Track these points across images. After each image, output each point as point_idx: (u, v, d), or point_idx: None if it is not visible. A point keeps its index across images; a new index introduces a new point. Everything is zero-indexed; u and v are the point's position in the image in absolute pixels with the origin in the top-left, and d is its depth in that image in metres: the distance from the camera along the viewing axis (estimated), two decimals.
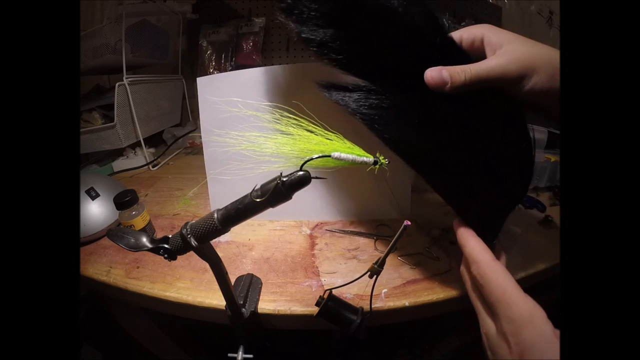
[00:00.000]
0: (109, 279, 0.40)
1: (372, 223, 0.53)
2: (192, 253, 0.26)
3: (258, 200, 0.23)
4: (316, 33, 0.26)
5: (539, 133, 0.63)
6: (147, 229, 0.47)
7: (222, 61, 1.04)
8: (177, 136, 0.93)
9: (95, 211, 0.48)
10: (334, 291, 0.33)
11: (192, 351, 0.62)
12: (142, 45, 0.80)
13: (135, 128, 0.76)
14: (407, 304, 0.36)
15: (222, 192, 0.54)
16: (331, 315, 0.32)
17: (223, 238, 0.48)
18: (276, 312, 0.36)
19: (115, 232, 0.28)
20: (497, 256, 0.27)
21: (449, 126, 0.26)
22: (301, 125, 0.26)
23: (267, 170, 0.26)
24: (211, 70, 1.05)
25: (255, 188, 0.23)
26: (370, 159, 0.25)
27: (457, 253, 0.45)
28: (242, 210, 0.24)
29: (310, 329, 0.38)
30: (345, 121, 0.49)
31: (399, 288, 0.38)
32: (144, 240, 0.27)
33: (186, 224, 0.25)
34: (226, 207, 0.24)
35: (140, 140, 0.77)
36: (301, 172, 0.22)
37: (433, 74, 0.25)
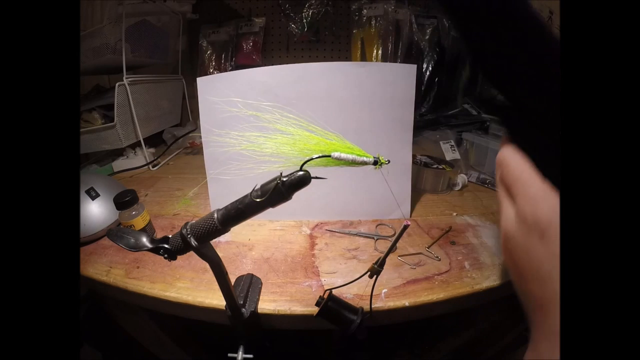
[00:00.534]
0: (109, 279, 0.40)
1: (372, 223, 0.53)
2: (192, 253, 0.26)
3: (258, 200, 0.23)
4: None
5: None
6: (147, 229, 0.47)
7: (222, 61, 1.05)
8: (177, 136, 0.93)
9: (95, 211, 0.48)
10: (334, 291, 0.33)
11: (192, 351, 0.62)
12: (142, 45, 0.80)
13: (135, 128, 0.76)
14: (407, 304, 0.36)
15: (222, 192, 0.54)
16: (331, 315, 0.32)
17: (223, 238, 0.48)
18: (276, 312, 0.36)
19: (115, 232, 0.28)
20: None
21: None
22: (301, 125, 0.26)
23: (267, 170, 0.26)
24: (211, 70, 1.05)
25: (255, 188, 0.23)
26: (370, 159, 0.25)
27: (457, 253, 0.45)
28: (242, 210, 0.24)
29: (310, 329, 0.38)
30: (345, 121, 0.50)
31: (399, 288, 0.38)
32: (144, 240, 0.27)
33: (186, 224, 0.25)
34: (226, 207, 0.24)
35: (140, 140, 0.77)
36: (301, 172, 0.22)
37: None
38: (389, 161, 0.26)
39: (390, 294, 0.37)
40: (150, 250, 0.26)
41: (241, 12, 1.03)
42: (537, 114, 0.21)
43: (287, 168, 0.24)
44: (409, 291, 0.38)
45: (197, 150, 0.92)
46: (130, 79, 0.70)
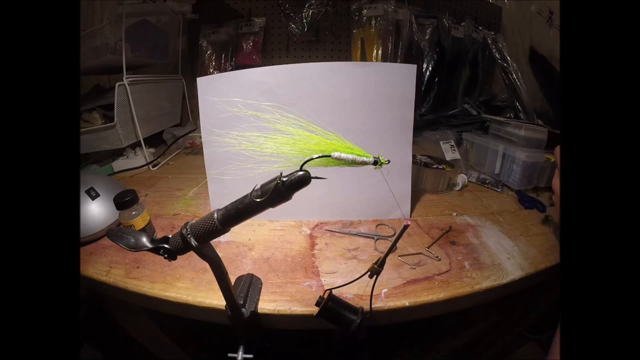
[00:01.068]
0: (109, 279, 0.40)
1: (372, 223, 0.53)
2: (192, 253, 0.26)
3: (258, 200, 0.23)
4: None
5: (539, 133, 0.63)
6: (147, 229, 0.47)
7: (222, 61, 1.05)
8: (177, 136, 0.93)
9: (95, 211, 0.48)
10: (334, 291, 0.33)
11: (192, 351, 0.62)
12: (142, 45, 0.80)
13: (135, 128, 0.76)
14: (407, 304, 0.36)
15: (222, 192, 0.54)
16: (331, 315, 0.32)
17: (223, 238, 0.48)
18: (276, 312, 0.36)
19: (115, 232, 0.28)
20: None
21: None
22: (301, 125, 0.26)
23: (267, 170, 0.26)
24: (211, 70, 1.05)
25: (255, 188, 0.23)
26: (370, 159, 0.25)
27: (457, 253, 0.45)
28: (242, 210, 0.24)
29: (310, 329, 0.38)
30: (345, 121, 0.50)
31: (399, 288, 0.38)
32: (144, 240, 0.27)
33: (186, 224, 0.25)
34: (226, 207, 0.24)
35: (140, 140, 0.77)
36: (301, 172, 0.22)
37: None
38: (389, 161, 0.26)
39: (390, 294, 0.37)
40: (150, 250, 0.26)
41: (241, 12, 1.03)
42: None
43: (287, 168, 0.24)
44: (409, 291, 0.38)
45: (197, 150, 0.92)
46: (130, 79, 0.70)
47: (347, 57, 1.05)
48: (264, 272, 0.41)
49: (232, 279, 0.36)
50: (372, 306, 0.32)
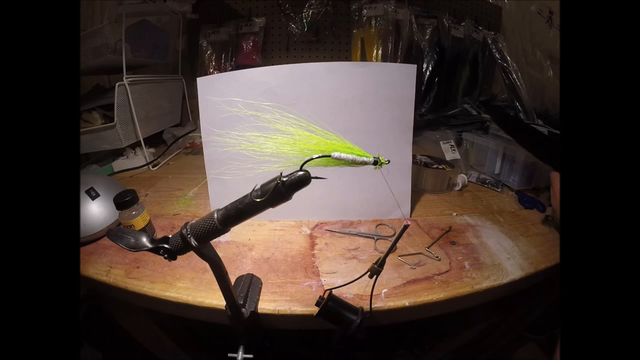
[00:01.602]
0: (109, 279, 0.40)
1: (372, 223, 0.53)
2: (192, 253, 0.26)
3: (258, 200, 0.23)
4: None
5: None
6: (147, 229, 0.47)
7: (222, 61, 1.05)
8: (177, 136, 0.93)
9: (95, 211, 0.48)
10: (334, 291, 0.33)
11: (192, 351, 0.62)
12: (142, 45, 0.80)
13: (135, 128, 0.76)
14: (407, 304, 0.36)
15: (222, 192, 0.54)
16: (331, 315, 0.32)
17: (223, 238, 0.48)
18: (276, 312, 0.36)
19: (115, 232, 0.28)
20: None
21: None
22: (301, 125, 0.26)
23: (267, 170, 0.26)
24: (211, 70, 1.05)
25: (255, 188, 0.23)
26: (370, 159, 0.25)
27: (457, 253, 0.45)
28: (242, 210, 0.24)
29: (310, 329, 0.38)
30: (346, 121, 0.50)
31: (399, 288, 0.38)
32: (144, 240, 0.27)
33: (186, 224, 0.25)
34: (226, 207, 0.24)
35: (140, 140, 0.77)
36: (301, 172, 0.22)
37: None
38: (389, 161, 0.26)
39: (390, 294, 0.37)
40: (150, 250, 0.26)
41: (241, 12, 1.03)
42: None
43: (287, 168, 0.24)
44: (409, 291, 0.38)
45: (197, 150, 0.92)
46: (130, 79, 0.70)
47: (347, 57, 1.05)
48: (264, 272, 0.41)
49: (232, 279, 0.36)
50: (372, 306, 0.32)
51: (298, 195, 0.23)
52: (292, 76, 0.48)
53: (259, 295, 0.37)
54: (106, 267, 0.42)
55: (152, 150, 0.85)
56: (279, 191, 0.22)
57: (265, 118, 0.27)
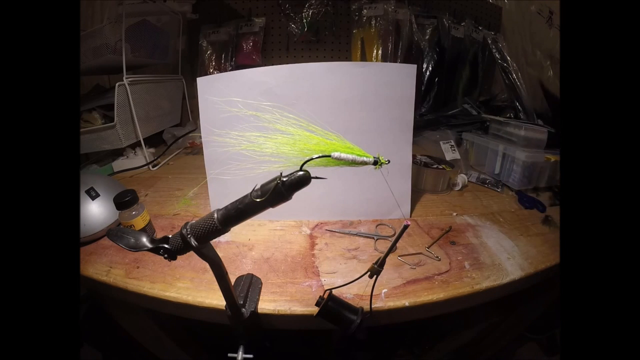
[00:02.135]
0: (109, 279, 0.40)
1: (372, 223, 0.53)
2: (192, 253, 0.26)
3: (258, 200, 0.23)
4: None
5: (539, 133, 0.63)
6: (147, 229, 0.47)
7: (222, 61, 1.05)
8: (177, 136, 0.93)
9: (95, 211, 0.48)
10: (334, 291, 0.33)
11: (192, 351, 0.62)
12: (142, 45, 0.80)
13: (135, 128, 0.76)
14: (407, 304, 0.36)
15: (222, 192, 0.54)
16: (331, 315, 0.32)
17: (223, 238, 0.48)
18: (276, 312, 0.36)
19: (115, 232, 0.28)
20: None
21: None
22: (301, 125, 0.26)
23: (267, 170, 0.26)
24: (211, 70, 1.05)
25: (255, 188, 0.23)
26: (370, 159, 0.25)
27: (457, 253, 0.45)
28: (242, 210, 0.24)
29: (310, 329, 0.38)
30: (346, 121, 0.50)
31: (399, 288, 0.38)
32: (144, 240, 0.27)
33: (186, 224, 0.25)
34: (226, 207, 0.24)
35: (140, 140, 0.77)
36: (301, 172, 0.22)
37: None
38: (389, 161, 0.26)
39: (390, 294, 0.37)
40: (150, 250, 0.26)
41: (241, 12, 1.03)
42: None
43: (287, 168, 0.24)
44: (409, 291, 0.38)
45: (197, 150, 0.92)
46: (130, 79, 0.70)
47: (347, 57, 1.05)
48: (264, 272, 0.41)
49: (232, 279, 0.36)
50: (372, 306, 0.32)
51: (298, 195, 0.23)
52: (292, 76, 0.48)
53: (259, 295, 0.37)
54: (106, 267, 0.42)
55: (152, 150, 0.85)
56: (279, 191, 0.22)
57: (265, 118, 0.27)
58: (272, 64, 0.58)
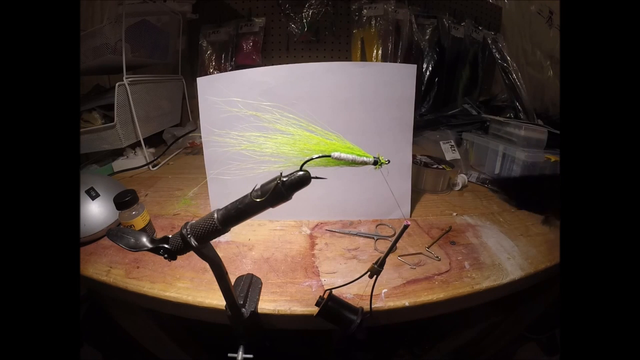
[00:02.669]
0: (109, 279, 0.40)
1: (372, 223, 0.53)
2: (192, 253, 0.26)
3: (258, 200, 0.23)
4: None
5: (539, 133, 0.63)
6: (147, 229, 0.47)
7: (222, 61, 1.05)
8: (177, 136, 0.93)
9: (95, 211, 0.48)
10: (334, 291, 0.33)
11: (192, 351, 0.62)
12: (142, 45, 0.80)
13: (135, 128, 0.76)
14: (407, 304, 0.36)
15: (222, 192, 0.54)
16: (331, 315, 0.32)
17: (223, 238, 0.48)
18: (276, 312, 0.36)
19: (115, 232, 0.28)
20: None
21: None
22: (301, 125, 0.26)
23: (267, 170, 0.26)
24: (211, 70, 1.05)
25: (255, 188, 0.23)
26: (370, 159, 0.25)
27: (457, 253, 0.45)
28: (242, 210, 0.24)
29: (310, 329, 0.38)
30: (346, 121, 0.50)
31: (399, 288, 0.38)
32: (144, 240, 0.27)
33: (186, 224, 0.25)
34: (226, 207, 0.24)
35: (140, 140, 0.77)
36: (301, 172, 0.22)
37: None
38: (389, 161, 0.26)
39: (390, 294, 0.37)
40: (150, 250, 0.26)
41: (241, 12, 1.03)
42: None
43: (287, 168, 0.24)
44: (409, 291, 0.38)
45: (197, 150, 0.92)
46: (130, 79, 0.70)
47: (347, 57, 1.05)
48: (264, 272, 0.41)
49: (232, 279, 0.36)
50: (372, 306, 0.32)
51: (298, 195, 0.23)
52: (292, 76, 0.48)
53: (259, 295, 0.37)
54: (106, 267, 0.42)
55: (152, 150, 0.85)
56: (279, 191, 0.22)
57: (265, 118, 0.27)
58: (272, 64, 0.58)
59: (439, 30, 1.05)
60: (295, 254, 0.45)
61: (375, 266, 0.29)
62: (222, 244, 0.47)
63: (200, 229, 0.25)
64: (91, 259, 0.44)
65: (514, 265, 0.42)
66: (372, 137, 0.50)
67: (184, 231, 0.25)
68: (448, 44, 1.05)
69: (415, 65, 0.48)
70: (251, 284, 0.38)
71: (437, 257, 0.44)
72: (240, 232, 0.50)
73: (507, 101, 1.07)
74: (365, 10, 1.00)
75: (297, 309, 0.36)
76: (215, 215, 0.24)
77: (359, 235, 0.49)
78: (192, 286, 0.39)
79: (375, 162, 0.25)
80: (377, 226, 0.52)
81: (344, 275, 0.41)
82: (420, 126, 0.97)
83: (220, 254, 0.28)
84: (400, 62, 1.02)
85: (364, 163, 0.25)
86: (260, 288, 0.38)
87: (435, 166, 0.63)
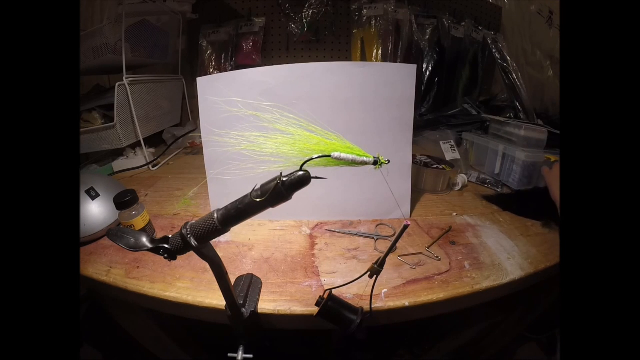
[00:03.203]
0: (109, 279, 0.40)
1: (372, 223, 0.53)
2: (192, 253, 0.26)
3: (258, 200, 0.23)
4: None
5: (539, 133, 0.63)
6: (147, 229, 0.47)
7: (222, 61, 1.04)
8: (177, 136, 0.93)
9: (95, 211, 0.48)
10: (334, 291, 0.33)
11: (192, 351, 0.62)
12: (142, 45, 0.80)
13: (135, 128, 0.76)
14: (407, 304, 0.36)
15: (222, 192, 0.54)
16: (331, 315, 0.32)
17: (223, 238, 0.48)
18: (276, 312, 0.36)
19: (115, 232, 0.28)
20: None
21: None
22: (301, 125, 0.26)
23: (267, 170, 0.26)
24: (211, 70, 1.05)
25: (255, 188, 0.23)
26: (370, 159, 0.25)
27: (457, 253, 0.45)
28: (242, 210, 0.24)
29: (310, 329, 0.38)
30: (346, 121, 0.50)
31: (399, 288, 0.38)
32: (144, 240, 0.27)
33: (186, 224, 0.25)
34: (226, 207, 0.24)
35: (140, 140, 0.77)
36: (301, 172, 0.22)
37: None
38: (389, 161, 0.26)
39: (390, 294, 0.37)
40: (150, 250, 0.26)
41: (241, 12, 1.03)
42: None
43: (287, 168, 0.24)
44: (409, 291, 0.38)
45: (197, 150, 0.92)
46: (130, 79, 0.70)
47: (347, 57, 1.05)
48: (264, 272, 0.41)
49: (232, 279, 0.36)
50: (372, 306, 0.32)
51: (298, 195, 0.23)
52: (292, 76, 0.48)
53: (259, 295, 0.37)
54: (106, 267, 0.42)
55: (152, 150, 0.85)
56: (279, 191, 0.22)
57: (265, 118, 0.27)
58: (272, 64, 0.58)
59: (439, 30, 1.05)
60: (295, 254, 0.45)
61: (375, 266, 0.29)
62: (222, 244, 0.47)
63: (200, 229, 0.25)
64: (91, 259, 0.44)
65: (514, 265, 0.42)
66: (372, 137, 0.50)
67: (184, 231, 0.25)
68: (448, 44, 1.05)
69: (415, 65, 0.48)
70: (251, 284, 0.38)
71: (437, 257, 0.44)
72: (240, 232, 0.50)
73: (507, 101, 1.07)
74: (365, 10, 1.00)
75: (297, 309, 0.36)
76: (215, 215, 0.24)
77: (359, 235, 0.49)
78: (192, 286, 0.39)
79: (375, 162, 0.25)
80: (377, 226, 0.52)
81: (344, 275, 0.41)
82: (420, 126, 0.97)
83: (220, 254, 0.28)
84: (400, 62, 1.02)
85: (364, 163, 0.25)
86: (260, 288, 0.38)
87: (435, 166, 0.63)
